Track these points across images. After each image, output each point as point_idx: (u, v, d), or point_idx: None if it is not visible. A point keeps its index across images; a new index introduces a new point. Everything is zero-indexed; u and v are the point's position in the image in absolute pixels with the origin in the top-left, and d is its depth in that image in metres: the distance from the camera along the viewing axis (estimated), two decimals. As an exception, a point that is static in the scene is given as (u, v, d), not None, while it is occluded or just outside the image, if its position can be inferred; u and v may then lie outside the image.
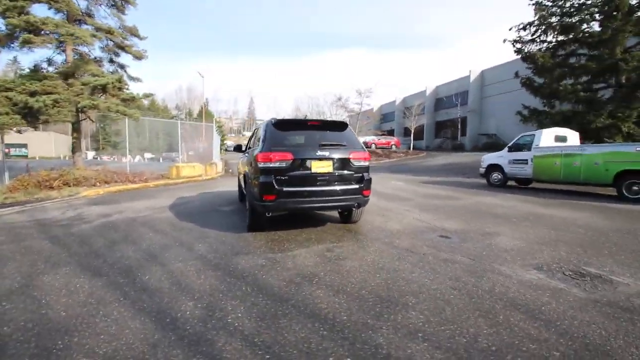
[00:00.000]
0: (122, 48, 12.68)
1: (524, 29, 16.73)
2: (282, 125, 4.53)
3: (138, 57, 13.07)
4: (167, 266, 3.38)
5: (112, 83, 10.86)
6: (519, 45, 17.53)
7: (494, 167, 11.63)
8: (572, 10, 15.21)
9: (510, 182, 11.45)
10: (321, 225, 5.16)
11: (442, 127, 40.47)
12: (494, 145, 31.25)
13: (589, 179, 8.83)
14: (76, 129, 11.82)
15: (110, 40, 12.23)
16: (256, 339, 2.07)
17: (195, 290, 2.78)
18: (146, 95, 12.97)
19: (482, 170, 12.16)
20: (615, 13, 13.13)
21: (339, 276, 3.10)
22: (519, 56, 17.48)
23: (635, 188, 7.89)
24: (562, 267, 3.36)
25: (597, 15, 14.19)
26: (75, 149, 12.20)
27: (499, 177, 11.43)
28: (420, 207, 6.93)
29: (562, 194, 9.40)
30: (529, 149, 10.46)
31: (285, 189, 4.17)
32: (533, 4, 16.42)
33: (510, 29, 16.96)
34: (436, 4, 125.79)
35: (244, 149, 6.72)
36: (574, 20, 14.93)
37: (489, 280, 3.02)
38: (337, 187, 4.36)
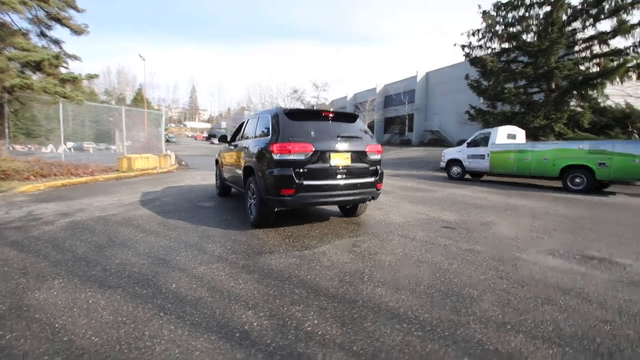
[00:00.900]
0: (58, 20, 10.79)
1: (474, 34, 18.18)
2: (295, 115, 4.23)
3: (77, 31, 11.25)
4: (190, 271, 2.93)
5: (49, 60, 9.20)
6: (467, 50, 19.06)
7: (453, 162, 12.51)
8: (513, 21, 16.91)
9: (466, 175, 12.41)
10: (325, 220, 4.99)
11: (391, 123, 42.40)
12: (438, 141, 33.82)
13: (538, 172, 9.96)
14: (-2, 112, 9.79)
15: (44, 9, 10.31)
16: (355, 347, 1.87)
17: (243, 297, 2.45)
18: (90, 76, 11.26)
19: (442, 164, 13.02)
20: (550, 28, 14.87)
21: (385, 272, 2.99)
22: (467, 59, 18.98)
23: (577, 180, 9.09)
24: (569, 252, 3.68)
25: (534, 28, 15.96)
26: (-4, 136, 10.12)
27: (459, 170, 12.33)
28: (406, 199, 7.13)
29: (512, 185, 10.47)
30: (486, 145, 11.44)
31: (305, 182, 3.91)
32: (481, 13, 17.88)
33: (461, 34, 18.33)
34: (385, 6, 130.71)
35: (229, 139, 6.22)
36: (515, 31, 16.63)
37: (522, 267, 3.18)
38: (355, 181, 4.23)
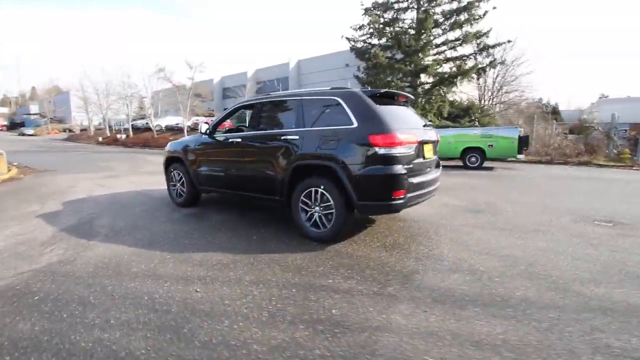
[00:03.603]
0: None
1: (360, 28, 19.66)
2: (378, 98, 3.35)
3: None
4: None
5: None
6: (353, 43, 20.55)
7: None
8: (389, 21, 19.19)
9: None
10: (369, 223, 4.33)
11: (266, 111, 41.66)
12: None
13: (445, 154, 11.83)
14: None
15: None
16: None
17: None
18: None
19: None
20: (422, 31, 17.64)
21: (517, 268, 2.79)
22: (354, 52, 20.52)
23: (472, 159, 11.28)
24: (584, 218, 4.45)
25: (410, 30, 18.59)
26: None
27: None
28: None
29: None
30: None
31: (412, 180, 3.20)
32: (363, 10, 19.48)
33: (351, 27, 19.50)
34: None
35: (206, 129, 4.52)
36: (395, 30, 18.93)
37: (601, 244, 3.60)
38: (435, 175, 3.76)
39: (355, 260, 2.95)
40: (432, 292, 2.38)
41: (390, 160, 3.03)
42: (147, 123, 29.82)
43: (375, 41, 19.97)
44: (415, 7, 18.87)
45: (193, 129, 28.05)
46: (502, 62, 18.40)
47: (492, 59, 17.78)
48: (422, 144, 3.44)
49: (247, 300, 2.26)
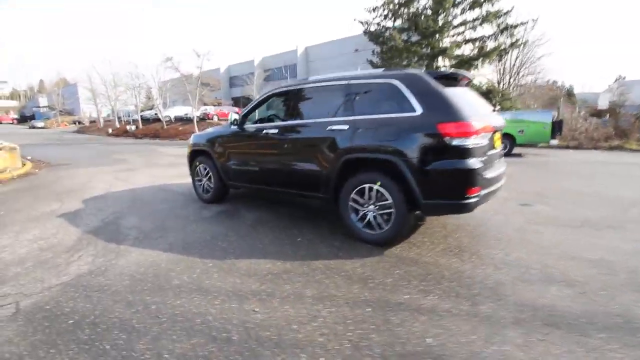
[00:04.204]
0: None
1: (374, 10, 18.77)
2: (444, 81, 2.89)
3: None
4: None
5: None
6: (366, 26, 19.68)
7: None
8: (406, 1, 18.24)
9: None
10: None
11: (274, 99, 41.05)
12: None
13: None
14: None
15: None
16: None
17: None
18: None
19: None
20: (441, 10, 16.72)
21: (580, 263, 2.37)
22: (367, 35, 19.68)
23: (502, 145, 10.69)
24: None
25: (427, 11, 17.63)
26: None
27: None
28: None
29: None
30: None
31: (486, 175, 2.77)
32: (376, -11, 18.52)
33: (365, 9, 18.63)
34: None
35: (234, 120, 4.12)
36: (409, 10, 18.02)
37: None
38: (502, 169, 3.30)
39: (424, 268, 2.56)
40: (536, 311, 1.99)
41: (465, 152, 2.59)
42: (155, 114, 29.51)
43: (389, 23, 19.04)
44: (433, -15, 17.85)
45: (202, 119, 27.68)
46: (525, 43, 17.41)
47: (515, 40, 16.82)
48: (495, 131, 2.99)
49: (318, 324, 1.90)
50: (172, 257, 2.88)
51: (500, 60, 16.84)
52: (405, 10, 18.11)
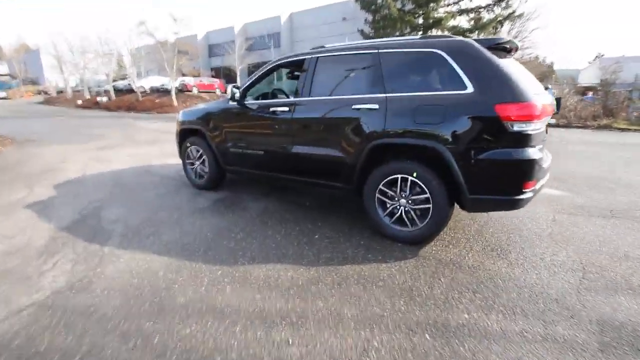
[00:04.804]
0: None
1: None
2: (496, 52, 2.41)
3: None
4: None
5: None
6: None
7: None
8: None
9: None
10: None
11: (256, 69, 39.19)
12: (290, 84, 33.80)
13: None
14: None
15: None
16: None
17: None
18: None
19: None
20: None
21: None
22: (358, 2, 18.55)
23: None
24: None
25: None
26: None
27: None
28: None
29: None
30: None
31: (543, 166, 2.39)
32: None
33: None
34: None
35: (233, 94, 3.52)
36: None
37: None
38: (549, 156, 2.92)
39: (472, 275, 2.22)
40: (619, 331, 1.70)
41: (526, 139, 2.19)
42: (129, 84, 27.46)
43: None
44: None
45: (180, 90, 26.00)
46: (521, 15, 16.87)
47: (512, 11, 16.26)
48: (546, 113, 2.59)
49: (372, 360, 1.52)
50: (170, 263, 2.41)
51: (495, 33, 16.30)
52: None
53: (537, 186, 2.36)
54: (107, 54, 27.28)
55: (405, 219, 2.62)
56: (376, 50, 2.68)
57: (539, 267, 2.33)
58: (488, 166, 2.23)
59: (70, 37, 29.16)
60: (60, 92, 39.00)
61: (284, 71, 4.33)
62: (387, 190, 2.66)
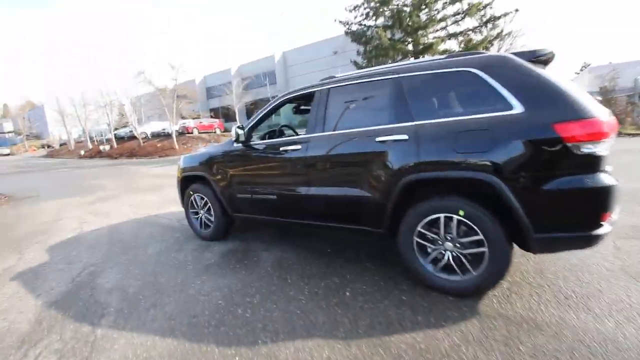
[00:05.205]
0: None
1: (355, 9, 18.23)
2: (538, 65, 2.11)
3: None
4: None
5: None
6: (347, 27, 19.14)
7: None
8: (386, -1, 17.78)
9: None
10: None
11: (255, 108, 40.08)
12: (295, 119, 34.33)
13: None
14: None
15: None
16: None
17: None
18: None
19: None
20: (423, 6, 16.33)
21: None
22: (349, 35, 19.12)
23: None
24: None
25: (406, 8, 17.19)
26: None
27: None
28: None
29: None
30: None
31: (616, 192, 1.99)
32: (356, -12, 18.02)
33: (346, 9, 18.09)
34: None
35: (237, 135, 3.20)
36: (391, 7, 17.54)
37: None
38: None
39: (558, 339, 1.75)
40: None
41: (597, 162, 1.82)
42: (130, 131, 27.87)
43: (371, 22, 18.58)
44: (411, -19, 17.49)
45: (181, 133, 26.27)
46: (509, 34, 17.23)
47: (500, 31, 16.61)
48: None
49: None
50: (175, 348, 1.95)
51: (487, 52, 16.56)
52: (387, 8, 17.65)
53: (615, 217, 1.95)
54: (108, 105, 27.89)
55: (454, 266, 2.18)
56: (396, 75, 2.39)
57: (633, 318, 1.86)
58: (556, 198, 1.84)
59: (72, 92, 29.72)
60: (63, 144, 39.69)
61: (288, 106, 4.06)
62: (428, 233, 2.25)
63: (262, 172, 3.16)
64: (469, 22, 17.24)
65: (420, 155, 2.17)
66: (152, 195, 7.20)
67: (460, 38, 17.27)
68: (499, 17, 16.73)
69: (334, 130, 2.64)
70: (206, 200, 3.68)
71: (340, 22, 19.21)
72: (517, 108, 1.93)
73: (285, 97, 3.10)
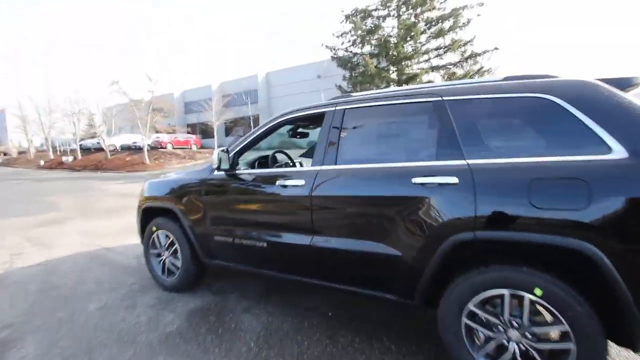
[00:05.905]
0: None
1: (342, 35, 18.36)
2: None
3: None
4: None
5: None
6: (333, 52, 19.22)
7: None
8: (373, 28, 18.09)
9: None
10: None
11: (235, 125, 39.26)
12: (288, 143, 33.77)
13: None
14: None
15: None
16: None
17: None
18: None
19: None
20: (409, 38, 16.67)
21: None
22: (335, 61, 19.14)
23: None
24: None
25: (392, 39, 17.50)
26: None
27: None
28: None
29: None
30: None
31: None
32: (344, 17, 18.25)
33: (333, 34, 18.16)
34: None
35: (219, 162, 2.51)
36: (376, 36, 17.81)
37: None
38: None
39: None
40: None
41: None
42: (98, 142, 26.06)
43: (357, 50, 18.75)
44: (396, 14, 17.97)
45: (154, 147, 24.84)
46: (489, 70, 17.88)
47: (480, 67, 17.18)
48: None
49: None
50: None
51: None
52: (373, 37, 17.91)
53: None
54: (76, 114, 26.13)
55: (521, 362, 1.55)
56: (439, 98, 1.83)
57: None
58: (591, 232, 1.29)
59: (38, 97, 27.72)
60: (22, 152, 36.71)
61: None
62: (484, 314, 1.62)
63: (250, 210, 2.45)
64: (452, 57, 17.78)
65: (478, 206, 1.58)
66: (110, 219, 6.19)
67: (442, 71, 17.69)
68: (479, 54, 17.36)
69: (350, 164, 2.02)
70: (172, 240, 2.89)
71: (327, 46, 19.26)
72: (618, 152, 1.40)
73: (285, 117, 2.46)
